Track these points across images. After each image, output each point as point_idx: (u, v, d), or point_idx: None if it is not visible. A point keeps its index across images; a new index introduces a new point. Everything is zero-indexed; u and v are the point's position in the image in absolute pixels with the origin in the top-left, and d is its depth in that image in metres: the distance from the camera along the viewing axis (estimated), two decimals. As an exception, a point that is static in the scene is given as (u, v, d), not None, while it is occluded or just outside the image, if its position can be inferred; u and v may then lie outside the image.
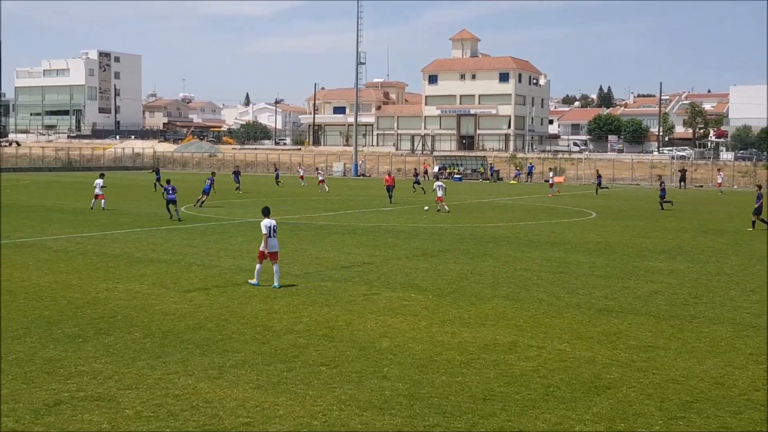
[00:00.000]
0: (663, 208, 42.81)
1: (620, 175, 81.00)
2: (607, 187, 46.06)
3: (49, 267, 19.73)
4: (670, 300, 16.73)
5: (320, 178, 58.01)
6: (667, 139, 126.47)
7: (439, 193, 39.08)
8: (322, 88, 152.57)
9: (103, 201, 37.18)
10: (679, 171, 75.57)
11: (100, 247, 23.79)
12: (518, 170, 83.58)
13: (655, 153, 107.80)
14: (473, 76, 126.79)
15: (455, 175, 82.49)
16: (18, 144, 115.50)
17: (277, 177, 65.09)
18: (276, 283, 17.40)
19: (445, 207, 38.60)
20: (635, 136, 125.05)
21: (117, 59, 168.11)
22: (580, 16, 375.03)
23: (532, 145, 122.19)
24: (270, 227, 17.58)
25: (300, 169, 72.16)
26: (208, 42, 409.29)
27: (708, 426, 9.17)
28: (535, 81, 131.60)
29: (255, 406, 9.50)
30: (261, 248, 17.65)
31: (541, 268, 20.84)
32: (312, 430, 8.78)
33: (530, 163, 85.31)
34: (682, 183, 73.13)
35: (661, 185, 45.65)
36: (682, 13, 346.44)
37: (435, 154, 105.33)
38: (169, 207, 32.93)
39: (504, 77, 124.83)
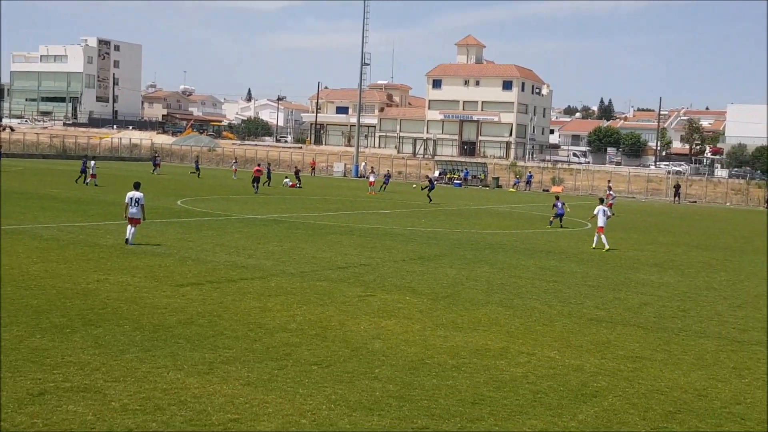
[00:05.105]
0: (431, 200, 50.37)
1: (617, 187, 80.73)
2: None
3: (39, 255, 19.52)
4: (658, 312, 16.80)
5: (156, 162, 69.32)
6: (664, 153, 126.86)
7: (600, 222, 28.48)
8: (326, 88, 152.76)
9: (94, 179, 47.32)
10: (674, 186, 75.89)
11: (92, 237, 23.67)
12: (517, 178, 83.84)
13: (652, 167, 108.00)
14: (477, 83, 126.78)
15: (455, 181, 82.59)
16: (11, 129, 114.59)
17: (154, 162, 65.56)
18: (130, 240, 22.09)
19: (604, 241, 27.98)
20: (633, 149, 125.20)
21: (117, 48, 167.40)
22: (585, 29, 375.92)
23: (532, 154, 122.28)
24: (132, 198, 22.28)
25: (233, 163, 73.23)
26: (212, 35, 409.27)
27: (694, 440, 9.19)
28: (537, 90, 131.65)
29: (244, 402, 9.46)
30: (125, 214, 22.41)
31: (535, 276, 20.87)
32: (300, 429, 8.74)
33: (529, 172, 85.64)
34: (677, 198, 73.86)
35: (429, 180, 54.52)
36: (684, 31, 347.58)
37: (436, 158, 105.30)
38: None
39: (507, 85, 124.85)
